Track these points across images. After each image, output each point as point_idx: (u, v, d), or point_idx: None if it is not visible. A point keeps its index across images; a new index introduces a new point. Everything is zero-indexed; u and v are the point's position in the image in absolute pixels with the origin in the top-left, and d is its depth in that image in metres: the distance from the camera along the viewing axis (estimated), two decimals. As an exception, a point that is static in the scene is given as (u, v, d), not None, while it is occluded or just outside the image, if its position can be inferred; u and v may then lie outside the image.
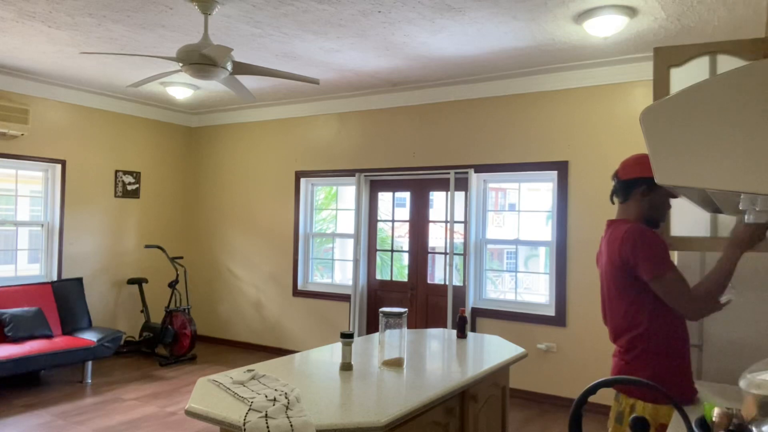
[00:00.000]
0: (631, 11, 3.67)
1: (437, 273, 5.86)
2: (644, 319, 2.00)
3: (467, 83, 5.45)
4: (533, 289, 5.39)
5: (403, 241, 6.04)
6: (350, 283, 6.24)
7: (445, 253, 5.67)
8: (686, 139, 0.99)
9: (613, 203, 2.21)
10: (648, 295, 1.98)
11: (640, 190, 2.11)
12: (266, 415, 1.89)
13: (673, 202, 2.13)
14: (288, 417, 1.88)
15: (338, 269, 6.57)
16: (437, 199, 5.91)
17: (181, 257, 6.90)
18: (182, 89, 5.89)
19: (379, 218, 6.20)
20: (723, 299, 1.93)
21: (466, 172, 5.49)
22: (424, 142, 5.79)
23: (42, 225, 6.10)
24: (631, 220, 2.11)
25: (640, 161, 2.14)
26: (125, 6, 3.79)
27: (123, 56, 4.92)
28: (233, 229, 7.13)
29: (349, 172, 6.23)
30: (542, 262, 5.34)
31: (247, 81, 5.63)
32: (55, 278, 6.08)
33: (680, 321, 2.04)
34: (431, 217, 5.89)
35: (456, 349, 3.07)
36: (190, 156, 7.56)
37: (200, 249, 7.41)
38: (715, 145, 0.96)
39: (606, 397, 4.07)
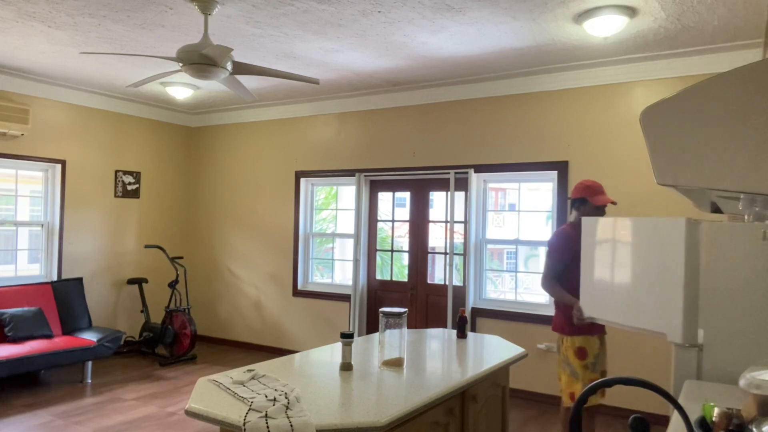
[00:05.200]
0: (631, 11, 3.67)
1: (437, 273, 5.86)
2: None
3: (467, 83, 5.45)
4: (533, 289, 5.39)
5: (403, 241, 6.04)
6: (350, 283, 6.24)
7: (445, 253, 5.67)
8: (686, 139, 0.99)
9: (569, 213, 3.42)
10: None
11: (575, 206, 3.47)
12: (266, 415, 1.89)
13: None
14: (288, 417, 1.88)
15: (338, 269, 6.57)
16: (437, 199, 5.91)
17: (181, 257, 6.91)
18: (182, 89, 5.89)
19: (379, 218, 6.20)
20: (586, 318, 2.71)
21: (466, 172, 5.49)
22: (424, 142, 5.79)
23: (42, 225, 6.10)
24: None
25: (576, 187, 3.46)
26: (125, 6, 3.79)
27: (123, 56, 4.92)
28: (233, 229, 7.13)
29: (349, 172, 6.23)
30: (542, 262, 5.34)
31: (247, 81, 5.63)
32: (55, 278, 6.08)
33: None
34: (431, 217, 5.89)
35: (456, 349, 3.07)
36: (190, 156, 7.56)
37: (200, 249, 7.42)
38: (715, 145, 0.96)
39: (607, 397, 4.05)
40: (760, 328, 2.32)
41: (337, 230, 6.55)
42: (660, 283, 2.24)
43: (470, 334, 3.43)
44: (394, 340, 2.63)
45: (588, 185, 3.43)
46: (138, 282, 6.68)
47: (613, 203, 3.40)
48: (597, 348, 3.41)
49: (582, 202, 3.43)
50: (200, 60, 3.51)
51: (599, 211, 3.42)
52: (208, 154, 7.41)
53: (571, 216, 3.54)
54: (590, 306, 2.63)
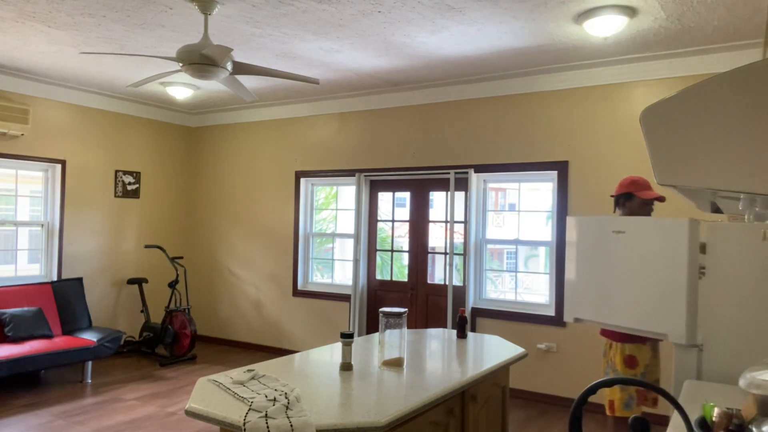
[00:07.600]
0: (631, 11, 3.67)
1: (437, 273, 5.86)
2: None
3: (467, 83, 5.45)
4: (533, 289, 5.39)
5: (403, 241, 6.04)
6: (350, 283, 6.24)
7: (445, 253, 5.67)
8: (686, 139, 0.99)
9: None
10: None
11: (620, 203, 3.23)
12: (266, 415, 1.89)
13: None
14: (288, 417, 1.88)
15: (338, 269, 6.57)
16: (437, 199, 5.91)
17: (181, 257, 6.91)
18: (182, 89, 5.89)
19: (379, 218, 6.20)
20: None
21: (466, 172, 5.49)
22: (424, 142, 5.79)
23: (42, 225, 6.10)
24: None
25: (621, 183, 3.22)
26: (125, 6, 3.79)
27: (123, 56, 4.92)
28: (233, 229, 7.13)
29: (349, 172, 6.23)
30: (542, 262, 5.34)
31: (247, 81, 5.63)
32: (55, 278, 6.08)
33: None
34: (431, 217, 5.89)
35: (456, 349, 3.07)
36: (190, 156, 7.56)
37: (200, 249, 7.42)
38: (715, 145, 0.96)
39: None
40: (760, 328, 2.32)
41: (337, 230, 6.55)
42: (662, 284, 2.24)
43: (470, 334, 3.43)
44: (394, 340, 2.62)
45: (634, 180, 3.19)
46: (138, 282, 6.68)
47: (661, 200, 3.10)
48: (648, 358, 3.11)
49: (627, 197, 3.18)
50: (200, 60, 3.51)
51: (646, 207, 3.19)
52: (208, 154, 7.41)
53: (615, 215, 3.26)
54: (588, 308, 2.63)
